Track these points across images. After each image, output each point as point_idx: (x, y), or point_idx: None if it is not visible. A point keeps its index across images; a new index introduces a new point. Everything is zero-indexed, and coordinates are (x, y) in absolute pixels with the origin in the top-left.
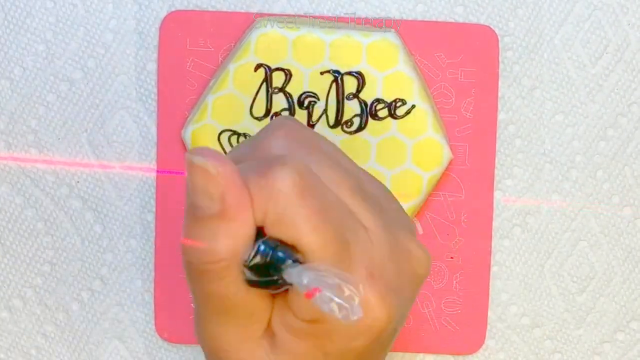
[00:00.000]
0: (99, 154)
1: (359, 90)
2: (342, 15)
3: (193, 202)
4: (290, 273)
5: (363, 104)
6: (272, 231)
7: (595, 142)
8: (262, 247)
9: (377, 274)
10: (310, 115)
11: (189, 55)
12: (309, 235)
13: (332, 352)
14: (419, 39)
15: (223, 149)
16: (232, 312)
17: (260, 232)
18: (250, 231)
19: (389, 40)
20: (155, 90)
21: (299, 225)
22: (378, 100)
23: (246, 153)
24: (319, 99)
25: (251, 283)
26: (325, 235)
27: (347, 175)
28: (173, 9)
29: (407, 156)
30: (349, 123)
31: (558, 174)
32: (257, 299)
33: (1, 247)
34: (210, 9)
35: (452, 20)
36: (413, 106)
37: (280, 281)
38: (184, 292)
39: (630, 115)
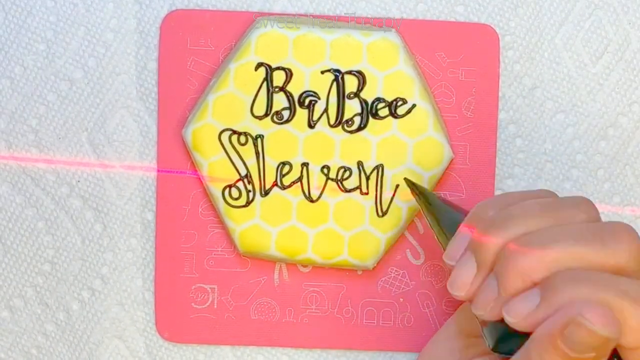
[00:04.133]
0: (99, 153)
1: (359, 90)
2: (342, 14)
3: (570, 346)
4: None
5: (364, 103)
6: (632, 358)
7: (596, 142)
8: None
9: None
10: (310, 115)
11: (190, 54)
12: None
13: None
14: (420, 38)
15: (225, 149)
16: None
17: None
18: None
19: (389, 40)
20: (155, 89)
21: None
22: (379, 100)
23: (588, 246)
24: (319, 98)
25: None
26: None
27: None
28: (174, 8)
29: (408, 155)
30: (350, 122)
31: (559, 173)
32: None
33: (2, 246)
34: (210, 8)
35: (453, 20)
36: (414, 105)
37: None
38: (184, 291)
39: (630, 115)
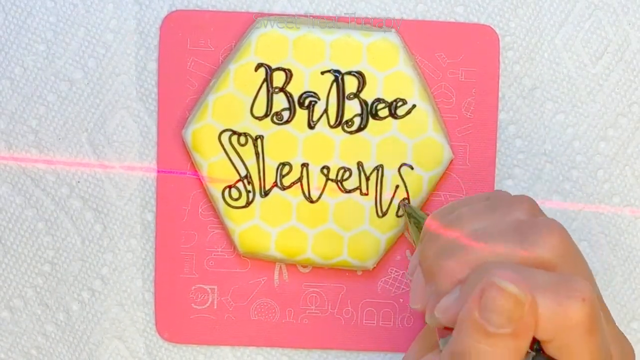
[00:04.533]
0: (99, 154)
1: (359, 90)
2: (342, 15)
3: (486, 318)
4: None
5: (363, 104)
6: (551, 352)
7: (596, 142)
8: None
9: None
10: (310, 115)
11: (190, 55)
12: None
13: None
14: (420, 38)
15: (225, 149)
16: None
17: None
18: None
19: (389, 40)
20: (155, 90)
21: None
22: (378, 100)
23: (508, 242)
24: (319, 99)
25: None
26: None
27: (597, 290)
28: (174, 9)
29: (408, 156)
30: (350, 123)
31: (558, 174)
32: None
33: (2, 247)
34: (210, 8)
35: (453, 20)
36: (413, 106)
37: None
38: (184, 291)
39: (630, 115)
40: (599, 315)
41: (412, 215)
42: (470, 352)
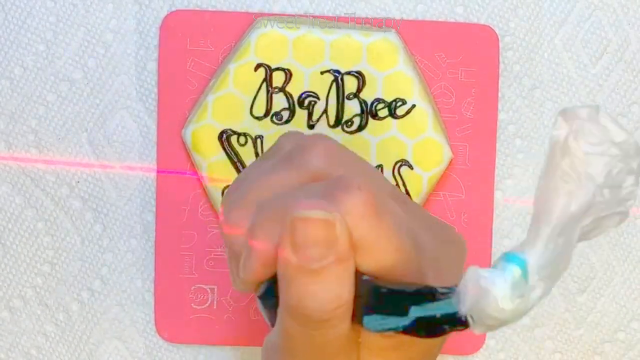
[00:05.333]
0: (99, 154)
1: (359, 90)
2: (342, 15)
3: (305, 257)
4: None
5: (363, 104)
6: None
7: None
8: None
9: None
10: (310, 115)
11: (189, 55)
12: (392, 254)
13: (416, 355)
14: (419, 39)
15: (225, 149)
16: (335, 355)
17: None
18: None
19: (389, 40)
20: (155, 90)
21: (383, 248)
22: (378, 100)
23: (279, 171)
24: (319, 99)
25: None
26: (406, 252)
27: (391, 187)
28: (173, 9)
29: (408, 156)
30: (349, 123)
31: None
32: (356, 336)
33: (1, 247)
34: (210, 8)
35: (453, 20)
36: (413, 106)
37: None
38: (184, 292)
39: (630, 116)
40: (386, 201)
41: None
42: (305, 297)
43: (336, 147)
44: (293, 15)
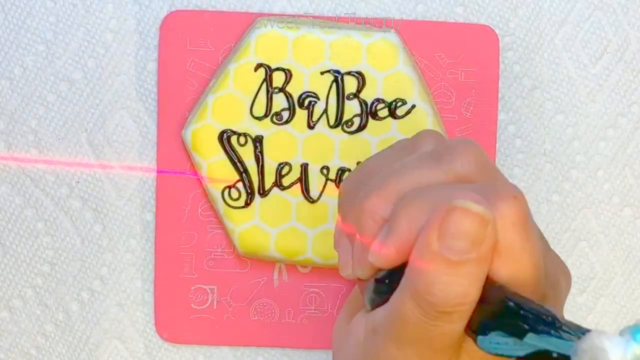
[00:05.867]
0: (99, 154)
1: (359, 90)
2: (342, 15)
3: (448, 246)
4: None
5: (363, 104)
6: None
7: (596, 142)
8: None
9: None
10: (310, 115)
11: (189, 55)
12: (530, 269)
13: None
14: (419, 39)
15: (225, 149)
16: (439, 351)
17: None
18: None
19: (389, 41)
20: (155, 90)
21: (523, 260)
22: (378, 100)
23: (425, 168)
24: (319, 99)
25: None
26: (541, 270)
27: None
28: (173, 9)
29: None
30: (349, 123)
31: (558, 174)
32: (461, 340)
33: (1, 247)
34: (210, 8)
35: (453, 20)
36: (413, 106)
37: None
38: (184, 292)
39: (630, 116)
40: (531, 214)
41: None
42: (435, 285)
43: (486, 155)
44: (293, 16)
